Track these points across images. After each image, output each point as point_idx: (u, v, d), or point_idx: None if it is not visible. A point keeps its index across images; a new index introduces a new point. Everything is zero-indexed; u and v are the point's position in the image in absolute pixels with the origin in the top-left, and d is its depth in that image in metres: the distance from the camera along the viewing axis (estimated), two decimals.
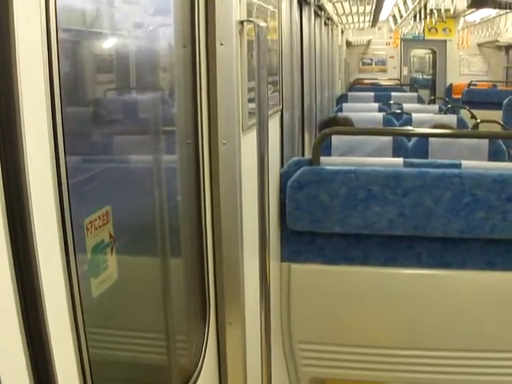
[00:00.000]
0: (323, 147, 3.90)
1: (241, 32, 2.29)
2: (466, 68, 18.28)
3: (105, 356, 1.78)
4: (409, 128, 5.85)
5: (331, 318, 3.50)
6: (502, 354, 3.44)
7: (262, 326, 2.42)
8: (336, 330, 3.53)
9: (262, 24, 2.26)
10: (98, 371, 1.41)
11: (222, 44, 2.20)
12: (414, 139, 4.77)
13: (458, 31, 18.02)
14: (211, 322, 2.38)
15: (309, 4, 6.01)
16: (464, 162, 3.39)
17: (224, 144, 2.26)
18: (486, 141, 4.57)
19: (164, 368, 2.29)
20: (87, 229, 1.48)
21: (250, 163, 2.34)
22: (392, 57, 18.61)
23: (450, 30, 18.23)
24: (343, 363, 3.58)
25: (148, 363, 2.21)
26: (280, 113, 3.42)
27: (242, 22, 2.30)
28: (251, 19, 2.34)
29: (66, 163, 1.24)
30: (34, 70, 1.16)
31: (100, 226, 1.53)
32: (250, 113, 2.41)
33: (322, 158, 3.40)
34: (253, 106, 2.37)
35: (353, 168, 3.28)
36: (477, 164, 3.43)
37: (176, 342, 2.34)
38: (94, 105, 1.81)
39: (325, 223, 3.30)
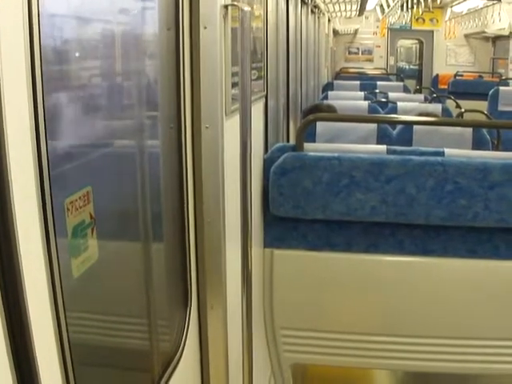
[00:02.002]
0: (308, 135, 3.90)
1: (225, 16, 2.29)
2: (452, 59, 18.35)
3: (85, 339, 1.78)
4: (393, 116, 5.86)
5: (313, 304, 3.51)
6: (482, 342, 3.47)
7: (244, 311, 2.42)
8: (318, 316, 3.55)
9: (247, 8, 2.26)
10: (77, 354, 1.41)
11: (205, 27, 2.20)
12: (398, 128, 4.79)
13: (445, 22, 18.11)
14: (193, 305, 2.38)
15: None
16: (447, 150, 3.40)
17: (207, 128, 2.26)
18: (470, 130, 4.59)
19: (145, 351, 2.28)
20: (68, 209, 1.48)
21: (233, 148, 2.34)
22: (378, 46, 18.66)
23: (437, 21, 18.29)
24: (325, 349, 3.60)
25: (128, 347, 2.21)
26: (264, 99, 3.42)
27: (226, 6, 2.29)
28: (235, 3, 2.33)
29: (46, 143, 1.24)
30: (15, 49, 1.16)
31: (81, 207, 1.54)
32: (233, 97, 2.41)
33: (306, 145, 3.40)
34: (236, 90, 2.37)
35: (336, 154, 3.29)
36: (460, 152, 3.45)
37: (157, 325, 2.34)
38: (75, 88, 1.80)
39: (307, 209, 3.31)
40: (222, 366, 2.49)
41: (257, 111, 3.10)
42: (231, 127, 2.37)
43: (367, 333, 3.55)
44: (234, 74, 2.40)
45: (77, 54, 1.78)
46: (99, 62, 1.98)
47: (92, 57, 1.91)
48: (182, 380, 2.32)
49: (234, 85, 2.41)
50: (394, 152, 3.40)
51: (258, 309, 3.35)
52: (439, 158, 3.28)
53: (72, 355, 1.37)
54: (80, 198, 1.54)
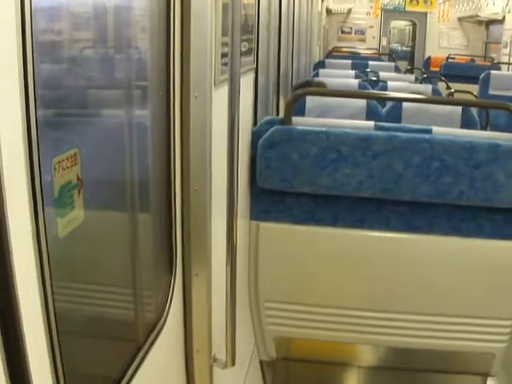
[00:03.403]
0: (297, 110, 3.91)
1: None
2: (445, 41, 18.35)
3: (69, 306, 1.79)
4: (382, 92, 5.87)
5: (298, 278, 3.54)
6: (462, 319, 3.51)
7: (228, 281, 2.44)
8: (302, 290, 3.57)
9: None
10: (62, 321, 1.42)
11: None
12: (387, 106, 4.80)
13: (439, 4, 18.08)
14: (177, 272, 2.40)
15: None
16: (435, 128, 3.42)
17: (196, 97, 2.27)
18: (459, 110, 4.60)
19: (129, 317, 2.30)
20: (55, 169, 1.49)
21: (222, 118, 2.34)
22: (372, 26, 18.63)
23: (431, 3, 18.26)
24: (309, 323, 3.64)
25: (112, 313, 2.23)
26: (254, 72, 3.43)
27: None
28: None
29: (35, 106, 1.25)
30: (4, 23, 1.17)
31: (68, 167, 1.55)
32: (222, 68, 2.42)
33: (294, 119, 3.42)
34: (226, 60, 2.38)
35: (324, 129, 3.30)
36: (447, 131, 3.47)
37: (142, 291, 2.35)
38: (65, 56, 1.81)
39: (294, 183, 3.33)
40: (205, 333, 2.51)
41: (246, 83, 3.11)
42: (220, 97, 2.38)
43: (350, 307, 3.58)
44: (224, 45, 2.41)
45: (66, 24, 1.78)
46: (89, 31, 1.98)
47: (82, 26, 1.92)
48: (165, 346, 2.34)
49: (223, 55, 2.42)
50: (382, 128, 3.41)
51: (242, 281, 3.38)
52: (426, 136, 3.30)
53: (57, 321, 1.38)
54: (67, 158, 1.55)
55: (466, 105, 4.73)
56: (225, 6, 2.37)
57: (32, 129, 1.24)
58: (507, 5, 13.46)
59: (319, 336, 3.68)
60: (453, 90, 6.83)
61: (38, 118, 1.27)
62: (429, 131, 3.38)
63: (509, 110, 3.47)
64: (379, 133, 3.31)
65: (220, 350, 2.56)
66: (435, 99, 5.14)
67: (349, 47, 15.96)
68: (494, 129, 5.53)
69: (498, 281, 3.44)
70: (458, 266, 3.44)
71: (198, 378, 2.56)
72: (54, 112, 1.65)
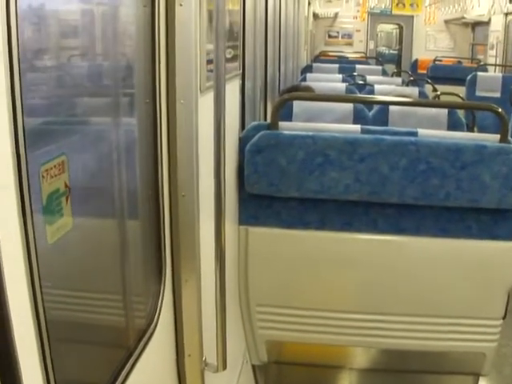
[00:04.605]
0: (284, 115, 3.93)
1: None
2: (432, 44, 18.41)
3: (60, 313, 1.80)
4: (369, 96, 5.90)
5: (288, 282, 3.55)
6: (452, 320, 3.53)
7: (218, 286, 2.46)
8: (293, 293, 3.59)
9: None
10: (52, 327, 1.43)
11: (181, 5, 2.22)
12: (374, 109, 4.83)
13: (426, 7, 18.14)
14: (167, 278, 2.41)
15: None
16: (420, 131, 3.45)
17: (182, 103, 2.29)
18: (446, 113, 4.63)
19: (120, 324, 2.31)
20: (43, 176, 1.51)
21: (208, 124, 2.36)
22: (359, 30, 18.66)
23: (418, 6, 18.32)
24: (299, 326, 3.65)
25: (102, 319, 2.24)
26: (241, 78, 3.45)
27: None
28: None
29: (22, 114, 1.27)
30: None
31: (56, 175, 1.57)
32: (208, 74, 2.44)
33: (281, 123, 3.43)
34: (212, 67, 2.40)
35: (310, 133, 3.32)
36: (433, 133, 3.49)
37: (132, 298, 2.37)
38: (53, 66, 1.83)
39: (282, 187, 3.34)
40: (196, 338, 2.52)
41: (232, 89, 3.13)
42: (206, 103, 2.40)
43: (341, 310, 3.60)
44: (209, 52, 2.43)
45: (54, 32, 1.79)
46: (76, 39, 2.00)
47: (69, 34, 1.93)
48: (156, 351, 2.35)
49: (209, 62, 2.44)
50: (368, 132, 3.43)
51: (233, 285, 3.39)
52: (412, 138, 3.32)
53: (48, 328, 1.40)
54: (55, 166, 1.57)
55: (451, 107, 4.77)
56: (210, 13, 2.39)
57: (19, 137, 1.25)
58: (493, 6, 13.53)
59: (310, 339, 3.70)
60: (439, 93, 6.86)
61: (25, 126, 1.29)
62: (415, 134, 3.41)
63: (494, 112, 3.49)
64: (365, 136, 3.33)
65: (211, 355, 2.58)
66: (421, 102, 5.17)
67: (336, 51, 16.01)
68: (481, 130, 5.58)
69: (486, 281, 3.46)
70: (447, 267, 3.46)
71: (189, 383, 2.58)
72: (40, 120, 1.67)
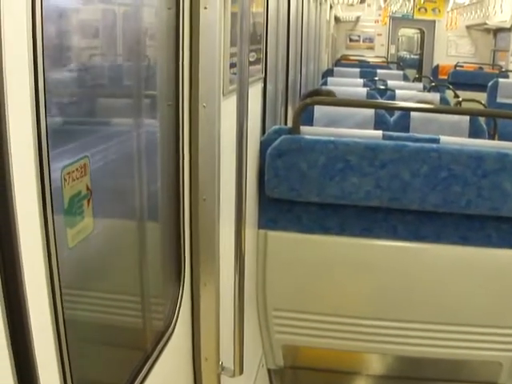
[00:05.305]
0: (305, 120, 3.92)
1: None
2: (453, 49, 18.30)
3: (79, 315, 1.80)
4: (390, 101, 5.87)
5: (306, 287, 3.54)
6: (470, 328, 3.51)
7: (236, 290, 2.45)
8: (310, 298, 3.58)
9: None
10: (71, 329, 1.43)
11: (205, 8, 2.21)
12: (396, 115, 4.81)
13: (447, 12, 18.04)
14: (186, 282, 2.41)
15: None
16: (442, 138, 3.43)
17: (204, 107, 2.28)
18: (467, 119, 4.61)
19: (138, 326, 2.31)
20: (65, 179, 1.51)
21: (230, 128, 2.36)
22: (380, 34, 18.60)
23: (440, 11, 18.24)
24: (316, 331, 3.64)
25: (122, 321, 2.24)
26: (263, 82, 3.44)
27: None
28: None
29: (45, 115, 1.26)
30: (17, 30, 1.18)
31: (78, 178, 1.56)
32: (231, 78, 2.43)
33: (302, 128, 3.43)
34: (234, 71, 2.39)
35: (332, 138, 3.31)
36: (455, 140, 3.47)
37: (151, 300, 2.37)
38: (78, 67, 1.83)
39: (302, 192, 3.33)
40: (213, 342, 2.52)
41: (254, 93, 3.12)
42: (229, 107, 2.39)
43: (358, 316, 3.58)
44: (232, 55, 2.42)
45: (79, 34, 1.80)
46: (101, 40, 2.00)
47: (94, 36, 1.93)
48: (174, 354, 2.35)
49: (232, 65, 2.43)
50: (390, 138, 3.42)
51: (251, 289, 3.38)
52: (434, 145, 3.30)
53: (66, 330, 1.39)
54: (77, 169, 1.57)
55: (473, 114, 4.74)
56: (233, 16, 2.38)
57: (42, 139, 1.25)
58: None
59: (327, 344, 3.69)
60: (460, 99, 6.83)
61: (48, 127, 1.28)
62: (437, 140, 3.39)
63: None
64: (387, 142, 3.31)
65: (228, 359, 2.57)
66: (443, 109, 5.14)
67: (357, 55, 15.98)
68: (502, 137, 5.53)
69: (505, 289, 3.43)
70: (466, 275, 3.44)
71: None
72: (63, 121, 1.67)
